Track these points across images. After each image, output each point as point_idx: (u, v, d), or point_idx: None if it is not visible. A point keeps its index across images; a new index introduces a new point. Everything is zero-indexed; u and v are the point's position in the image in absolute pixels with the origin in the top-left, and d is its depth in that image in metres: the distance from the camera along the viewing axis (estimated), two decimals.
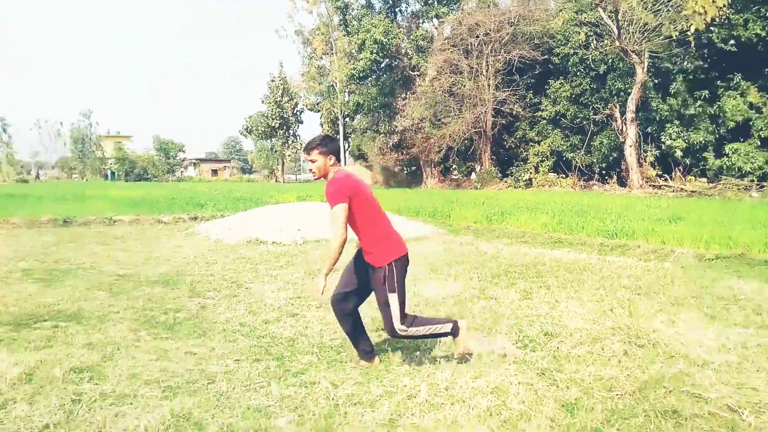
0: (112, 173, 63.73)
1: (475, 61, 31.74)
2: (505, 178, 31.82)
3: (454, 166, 35.77)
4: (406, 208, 15.77)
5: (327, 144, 3.57)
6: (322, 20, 49.59)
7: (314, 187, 34.77)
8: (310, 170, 3.57)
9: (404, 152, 35.74)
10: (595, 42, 26.88)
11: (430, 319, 3.73)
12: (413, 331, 3.52)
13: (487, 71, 31.71)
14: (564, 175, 29.32)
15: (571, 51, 28.25)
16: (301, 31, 53.11)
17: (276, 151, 60.07)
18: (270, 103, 57.80)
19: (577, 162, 28.94)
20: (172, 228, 12.26)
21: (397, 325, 3.48)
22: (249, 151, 72.51)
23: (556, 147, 29.89)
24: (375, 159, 39.18)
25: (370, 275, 3.56)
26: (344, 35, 43.39)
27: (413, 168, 38.07)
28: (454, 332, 3.65)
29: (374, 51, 34.73)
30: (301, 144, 61.06)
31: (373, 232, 3.54)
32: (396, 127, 35.13)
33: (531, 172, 30.55)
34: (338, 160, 3.64)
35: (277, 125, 57.69)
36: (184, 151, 68.61)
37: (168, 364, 3.64)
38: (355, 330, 3.75)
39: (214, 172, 77.88)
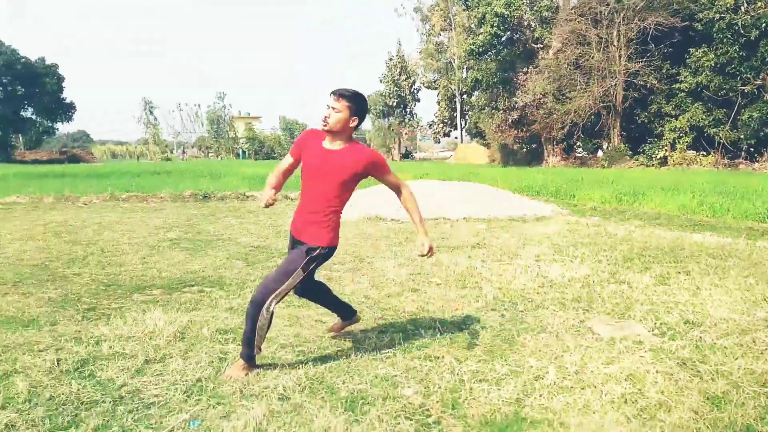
0: (243, 152, 68.27)
1: (605, 30, 29.69)
2: (636, 156, 29.69)
3: (578, 144, 34.02)
4: (526, 186, 15.29)
5: (360, 103, 3.05)
6: None
7: (433, 167, 34.80)
8: (326, 118, 2.98)
9: (524, 129, 34.50)
10: (746, 5, 23.97)
11: (265, 328, 3.07)
12: (264, 319, 2.99)
13: (618, 41, 29.55)
14: (704, 153, 26.77)
15: (717, 16, 25.44)
16: (420, 8, 52.90)
17: (393, 130, 60.79)
18: (388, 82, 58.40)
19: (720, 138, 26.23)
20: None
21: (271, 300, 2.97)
22: (366, 130, 74.07)
23: (696, 122, 27.26)
24: (493, 136, 38.22)
25: (295, 245, 3.17)
26: (463, 10, 42.53)
27: (533, 145, 36.69)
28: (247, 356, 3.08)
29: (495, 24, 33.70)
30: (417, 122, 61.24)
31: (341, 211, 3.21)
32: (516, 103, 33.98)
33: (666, 150, 28.20)
34: (357, 127, 3.16)
35: (394, 104, 58.24)
36: None
37: (300, 330, 3.87)
38: (331, 299, 3.63)
39: None
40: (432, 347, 3.60)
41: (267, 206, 2.97)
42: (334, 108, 2.98)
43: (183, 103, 77.42)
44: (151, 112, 70.22)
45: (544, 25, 34.35)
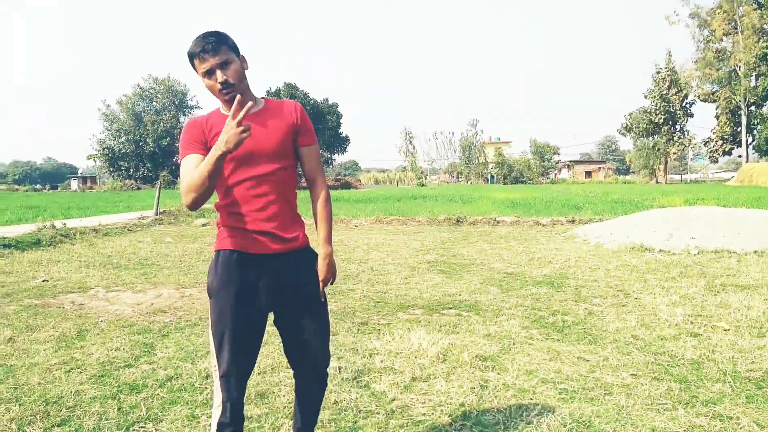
0: (492, 176, 69.31)
1: None
2: None
3: None
4: None
5: (230, 37, 2.04)
6: None
7: (705, 189, 30.52)
8: (224, 83, 1.97)
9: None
10: None
11: None
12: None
13: None
14: None
15: None
16: (698, 13, 47.31)
17: (659, 149, 55.07)
18: (654, 97, 53.37)
19: None
20: (549, 230, 12.52)
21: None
22: (626, 151, 68.47)
23: None
24: None
25: (299, 277, 2.11)
26: (754, 9, 36.64)
27: None
28: None
29: None
30: (690, 139, 54.45)
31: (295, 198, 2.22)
32: None
33: None
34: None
35: (660, 121, 52.86)
36: (558, 154, 69.57)
37: (561, 366, 3.69)
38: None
39: (588, 173, 76.47)
40: (722, 405, 3.08)
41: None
42: (219, 63, 1.97)
43: (439, 132, 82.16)
44: (410, 141, 76.14)
45: None
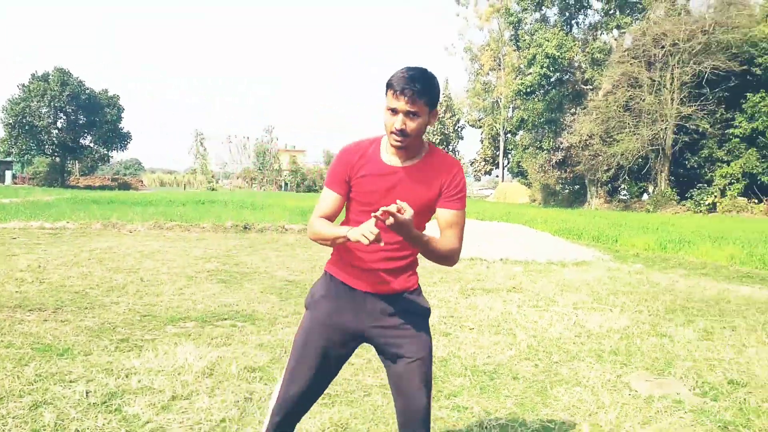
0: (286, 184, 69.68)
1: (659, 73, 29.39)
2: (683, 202, 28.90)
3: (623, 186, 33.36)
4: (566, 229, 15.00)
5: (436, 87, 1.93)
6: (493, 36, 49.68)
7: (469, 204, 34.62)
8: (400, 132, 1.87)
9: (568, 170, 34.18)
10: None
11: None
12: None
13: (671, 84, 29.18)
14: (756, 200, 25.76)
15: None
16: (470, 48, 53.68)
17: None
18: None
19: None
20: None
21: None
22: None
23: (749, 168, 26.40)
24: (535, 176, 37.94)
25: (414, 317, 2.11)
26: (514, 50, 42.92)
27: (576, 187, 36.22)
28: None
29: (545, 65, 33.87)
30: (459, 159, 61.42)
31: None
32: (561, 143, 33.75)
33: (716, 196, 27.38)
34: None
35: (437, 141, 58.69)
36: None
37: None
38: None
39: None
40: (461, 397, 3.51)
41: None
42: (411, 113, 1.87)
43: (233, 135, 79.94)
44: (201, 143, 72.69)
45: (595, 67, 34.27)
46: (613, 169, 30.37)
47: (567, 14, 38.61)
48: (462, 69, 63.72)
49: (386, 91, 1.89)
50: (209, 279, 7.19)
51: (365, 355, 4.20)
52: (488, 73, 51.83)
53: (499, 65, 48.29)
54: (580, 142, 31.95)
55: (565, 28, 38.03)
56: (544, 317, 5.63)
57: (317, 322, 2.09)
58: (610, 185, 33.61)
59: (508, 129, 48.18)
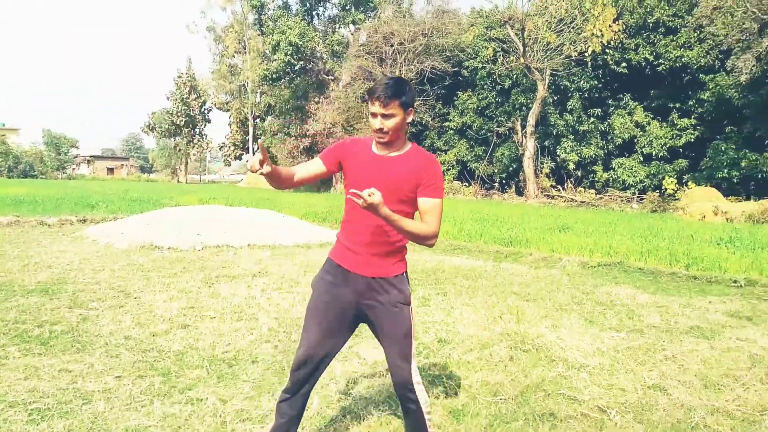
0: None
1: (389, 69, 32.25)
2: None
3: None
4: (313, 213, 15.66)
5: (409, 91, 2.33)
6: (236, 18, 48.43)
7: (220, 189, 33.66)
8: (380, 130, 2.32)
9: (315, 156, 35.56)
10: (501, 58, 28.22)
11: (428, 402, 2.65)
12: (423, 393, 2.52)
13: None
14: (467, 184, 30.46)
15: (480, 65, 29.47)
16: (213, 28, 51.57)
17: (180, 150, 57.58)
18: (176, 100, 55.35)
19: (479, 172, 30.20)
20: (57, 231, 11.36)
21: (416, 375, 2.50)
22: (151, 149, 68.90)
23: (461, 157, 31.03)
24: (285, 162, 38.56)
25: (382, 290, 2.42)
26: (258, 35, 42.55)
27: None
28: None
29: (289, 53, 34.32)
30: (207, 143, 59.01)
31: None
32: (308, 130, 34.87)
33: None
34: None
35: (182, 123, 55.32)
36: (77, 147, 64.00)
37: (38, 383, 3.36)
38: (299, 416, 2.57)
39: (110, 170, 73.21)
40: (196, 389, 3.42)
41: (253, 171, 2.18)
42: (385, 115, 2.29)
43: None
44: None
45: (336, 59, 36.06)
46: None
47: (308, 5, 39.84)
48: (206, 49, 60.54)
49: (369, 99, 2.32)
50: None
51: (87, 360, 3.80)
52: (234, 56, 50.60)
53: (245, 48, 47.54)
54: (324, 129, 33.54)
55: (306, 18, 39.22)
56: (287, 299, 5.80)
57: (319, 295, 2.48)
58: None
59: (257, 114, 47.95)
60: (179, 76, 55.78)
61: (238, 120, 51.91)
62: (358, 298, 2.41)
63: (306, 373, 2.44)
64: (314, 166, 2.49)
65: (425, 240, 2.33)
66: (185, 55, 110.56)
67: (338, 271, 2.44)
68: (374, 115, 2.31)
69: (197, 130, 57.81)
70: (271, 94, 38.75)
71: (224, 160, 60.80)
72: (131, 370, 3.67)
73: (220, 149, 59.29)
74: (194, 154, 58.72)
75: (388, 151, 2.38)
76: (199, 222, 10.57)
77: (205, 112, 58.01)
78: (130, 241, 9.31)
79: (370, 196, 2.07)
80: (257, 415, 3.09)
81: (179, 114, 55.04)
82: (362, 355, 4.14)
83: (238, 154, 56.39)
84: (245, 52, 46.79)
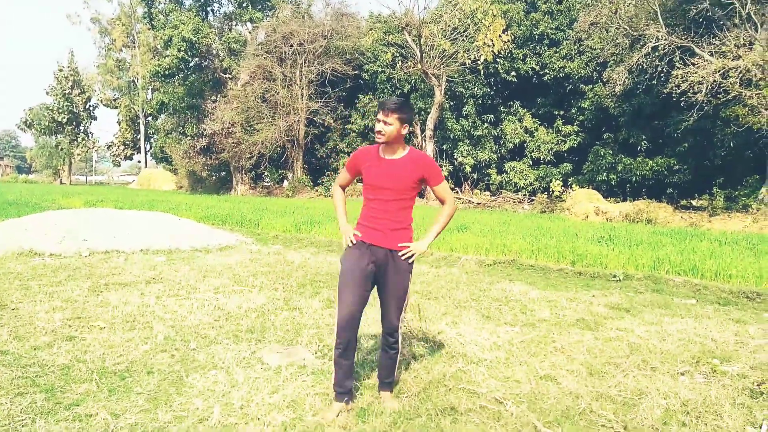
0: None
1: (289, 69, 31.81)
2: (316, 187, 32.35)
3: (266, 173, 35.33)
4: (212, 215, 15.13)
5: (408, 112, 3.21)
6: (124, 10, 45.66)
7: (108, 191, 31.53)
8: (379, 132, 3.17)
9: (213, 157, 34.27)
10: (400, 63, 28.77)
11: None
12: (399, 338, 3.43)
13: (300, 81, 31.95)
14: None
15: (379, 69, 29.88)
16: (99, 20, 48.26)
17: (62, 149, 53.23)
18: (57, 95, 51.14)
19: None
20: None
21: (401, 324, 3.42)
22: (28, 148, 63.16)
23: None
24: (180, 162, 36.90)
25: (394, 259, 3.23)
26: (149, 29, 40.28)
27: (222, 173, 36.73)
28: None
29: (182, 49, 32.76)
30: (93, 142, 55.08)
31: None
32: (204, 130, 33.52)
33: None
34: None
35: (64, 120, 51.22)
36: None
37: None
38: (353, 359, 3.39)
39: None
40: (84, 404, 3.19)
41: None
42: (386, 123, 3.15)
43: None
44: None
45: (233, 57, 34.95)
46: (255, 157, 31.78)
47: (202, 0, 38.33)
48: (90, 41, 56.45)
49: (378, 109, 3.21)
50: None
51: None
52: (122, 50, 47.66)
53: (134, 42, 44.91)
54: (222, 129, 32.38)
55: (201, 13, 37.69)
56: (185, 305, 5.57)
57: (349, 265, 3.21)
58: (254, 172, 35.11)
59: (149, 112, 45.39)
60: (60, 70, 51.64)
61: (127, 118, 48.99)
62: (378, 263, 3.20)
63: (352, 327, 3.18)
64: (346, 178, 3.49)
65: (454, 211, 3.40)
66: (66, 47, 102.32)
67: (363, 245, 3.22)
68: (378, 120, 3.18)
69: (82, 128, 53.83)
70: (163, 91, 36.79)
71: (113, 160, 56.99)
72: (9, 388, 3.35)
73: (108, 148, 55.63)
74: (79, 154, 54.54)
75: (393, 155, 3.24)
76: (85, 226, 9.85)
77: (91, 108, 54.18)
78: (5, 248, 8.49)
79: (413, 255, 3.27)
80: (153, 428, 2.95)
81: (61, 110, 50.94)
82: (265, 360, 4.07)
83: (128, 154, 53.14)
84: (134, 47, 44.26)
